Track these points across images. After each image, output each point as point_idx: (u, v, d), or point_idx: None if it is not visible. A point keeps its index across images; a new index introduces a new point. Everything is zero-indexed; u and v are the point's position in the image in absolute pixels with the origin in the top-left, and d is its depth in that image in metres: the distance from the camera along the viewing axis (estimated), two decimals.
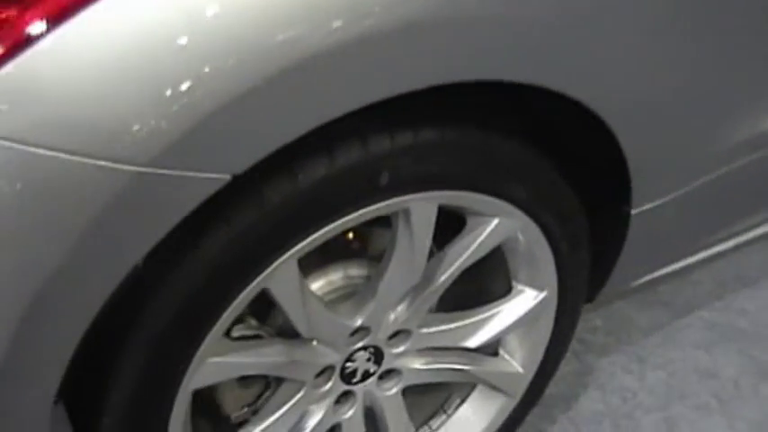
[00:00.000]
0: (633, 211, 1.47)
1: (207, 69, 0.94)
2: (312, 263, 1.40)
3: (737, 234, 1.78)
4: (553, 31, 1.15)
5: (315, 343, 1.34)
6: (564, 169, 1.39)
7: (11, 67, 0.90)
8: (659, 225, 1.53)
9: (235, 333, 1.34)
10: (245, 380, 1.39)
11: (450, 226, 1.36)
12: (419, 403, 1.69)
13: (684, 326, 2.02)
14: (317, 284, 1.40)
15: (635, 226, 1.49)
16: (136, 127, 0.94)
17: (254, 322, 1.35)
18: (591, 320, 2.05)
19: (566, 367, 1.96)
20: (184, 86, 0.94)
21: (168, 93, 0.94)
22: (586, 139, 1.35)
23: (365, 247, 1.45)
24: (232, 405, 1.43)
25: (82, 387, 1.22)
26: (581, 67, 1.20)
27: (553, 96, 1.21)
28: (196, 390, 1.29)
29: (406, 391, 1.59)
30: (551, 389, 1.92)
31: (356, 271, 1.41)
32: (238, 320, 1.34)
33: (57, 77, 0.91)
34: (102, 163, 0.93)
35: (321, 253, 1.41)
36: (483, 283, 1.55)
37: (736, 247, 1.79)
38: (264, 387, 1.45)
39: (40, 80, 0.90)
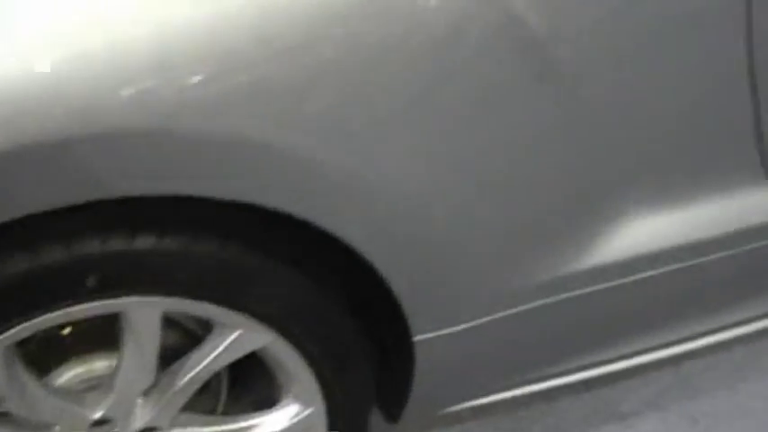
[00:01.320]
0: (415, 338, 1.45)
1: None
2: (76, 348, 1.44)
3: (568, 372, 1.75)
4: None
5: (57, 429, 1.36)
6: (330, 289, 1.40)
7: None
8: (454, 354, 1.50)
9: None
10: None
11: None
12: None
13: None
14: (78, 370, 1.43)
15: (421, 352, 1.47)
16: None
17: None
18: None
19: None
20: None
21: None
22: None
23: None
24: None
25: None
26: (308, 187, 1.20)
27: None
28: None
29: None
30: None
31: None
32: None
33: None
34: None
35: (89, 340, 1.46)
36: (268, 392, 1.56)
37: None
38: None
39: None
